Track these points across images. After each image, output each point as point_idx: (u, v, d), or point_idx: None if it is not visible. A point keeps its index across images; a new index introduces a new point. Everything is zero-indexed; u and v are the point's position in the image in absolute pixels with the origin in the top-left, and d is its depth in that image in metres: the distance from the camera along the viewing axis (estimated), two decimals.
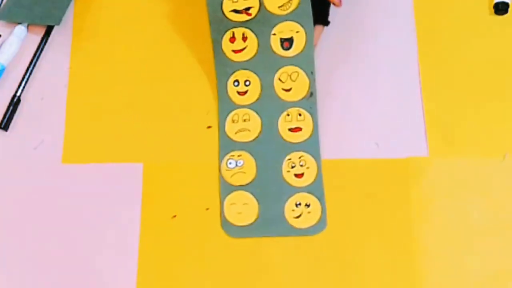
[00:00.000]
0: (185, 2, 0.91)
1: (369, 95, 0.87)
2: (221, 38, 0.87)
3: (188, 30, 0.90)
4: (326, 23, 0.87)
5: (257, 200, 0.83)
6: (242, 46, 0.86)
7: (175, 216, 0.83)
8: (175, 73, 0.88)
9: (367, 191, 0.83)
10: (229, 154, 0.84)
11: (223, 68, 0.86)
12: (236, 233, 0.82)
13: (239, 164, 0.84)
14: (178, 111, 0.87)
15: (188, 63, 0.87)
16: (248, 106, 0.86)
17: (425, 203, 0.83)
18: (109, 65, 0.89)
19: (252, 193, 0.83)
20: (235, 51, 0.86)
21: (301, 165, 0.84)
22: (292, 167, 0.84)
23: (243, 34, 0.86)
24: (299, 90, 0.85)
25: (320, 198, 0.83)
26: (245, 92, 0.86)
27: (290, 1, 0.86)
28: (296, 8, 0.86)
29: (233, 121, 0.85)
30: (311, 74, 0.85)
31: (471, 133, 0.86)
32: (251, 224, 0.82)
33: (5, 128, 0.86)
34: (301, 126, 0.85)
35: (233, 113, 0.86)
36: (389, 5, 0.91)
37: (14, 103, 0.87)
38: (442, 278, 0.80)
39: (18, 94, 0.88)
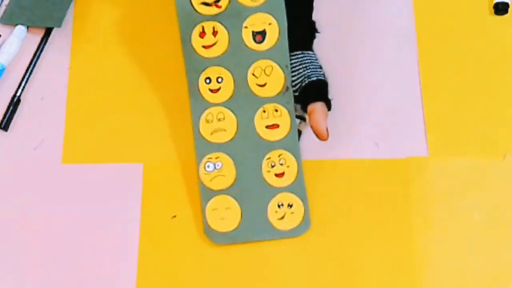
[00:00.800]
0: None
1: (369, 95, 0.87)
2: (190, 34, 0.83)
3: None
4: (329, 105, 0.83)
5: (239, 203, 0.81)
6: (213, 41, 0.83)
7: (175, 216, 0.83)
8: (175, 73, 0.88)
9: (367, 191, 0.83)
10: (206, 157, 0.82)
11: (193, 65, 0.83)
12: (220, 240, 0.81)
13: (217, 167, 0.82)
14: (178, 111, 0.87)
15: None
16: (222, 104, 0.83)
17: (425, 203, 0.83)
18: (109, 65, 0.89)
19: (233, 197, 0.81)
20: (205, 47, 0.83)
21: (281, 164, 0.82)
22: (272, 166, 0.82)
23: (213, 28, 0.82)
24: (274, 85, 0.82)
25: (303, 198, 0.81)
26: (218, 90, 0.83)
27: None
28: None
29: (207, 121, 0.83)
30: (286, 67, 0.82)
31: (471, 133, 0.86)
32: (235, 229, 0.81)
33: (5, 128, 0.86)
34: (278, 123, 0.82)
35: (206, 112, 0.83)
36: (389, 5, 0.91)
37: (14, 103, 0.87)
38: (442, 278, 0.80)
39: (18, 94, 0.88)
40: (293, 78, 0.83)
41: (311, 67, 0.83)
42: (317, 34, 0.87)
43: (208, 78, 0.83)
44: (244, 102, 0.82)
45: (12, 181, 0.85)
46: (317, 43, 0.87)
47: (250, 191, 0.81)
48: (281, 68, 0.82)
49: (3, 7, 0.92)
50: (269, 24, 0.82)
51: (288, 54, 0.82)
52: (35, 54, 0.89)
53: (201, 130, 0.82)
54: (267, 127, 0.82)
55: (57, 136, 0.86)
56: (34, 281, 0.81)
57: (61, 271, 0.81)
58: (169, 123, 0.86)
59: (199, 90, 0.83)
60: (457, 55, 0.89)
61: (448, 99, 0.87)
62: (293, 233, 0.81)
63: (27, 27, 0.90)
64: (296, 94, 0.83)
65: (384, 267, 0.81)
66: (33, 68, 0.89)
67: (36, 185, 0.84)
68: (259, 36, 0.82)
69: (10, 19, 0.90)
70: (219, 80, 0.83)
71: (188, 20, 0.83)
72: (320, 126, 0.80)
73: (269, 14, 0.82)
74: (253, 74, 0.82)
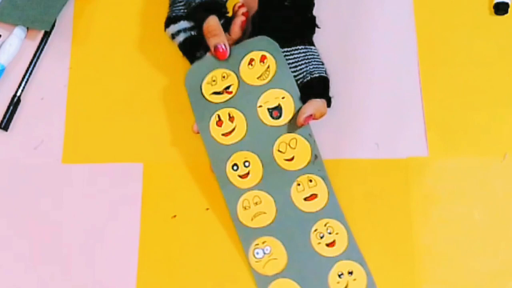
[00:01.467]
0: None
1: (369, 95, 0.87)
2: (208, 124, 0.82)
3: None
4: (329, 102, 0.83)
5: (298, 284, 0.79)
6: (231, 127, 0.82)
7: (175, 216, 0.83)
8: (175, 74, 0.88)
9: (367, 191, 0.83)
10: (253, 244, 0.80)
11: (218, 155, 0.82)
12: None
13: (266, 252, 0.80)
14: (178, 111, 0.87)
15: (188, 64, 0.87)
16: (255, 188, 0.81)
17: (425, 203, 0.83)
18: (109, 65, 0.89)
19: (291, 278, 0.79)
20: (225, 134, 0.82)
21: (329, 233, 0.80)
22: (321, 237, 0.80)
23: (229, 115, 0.82)
24: (302, 156, 0.81)
25: (361, 262, 0.79)
26: (247, 174, 0.81)
27: (268, 69, 0.82)
28: (275, 74, 0.82)
29: (244, 208, 0.80)
30: (309, 136, 0.81)
31: (471, 133, 0.86)
32: None
33: (5, 128, 0.86)
34: (315, 193, 0.80)
35: (241, 199, 0.81)
36: (389, 5, 0.91)
37: (14, 103, 0.87)
38: (442, 278, 0.80)
39: (18, 94, 0.88)
40: (296, 73, 0.82)
41: (314, 62, 0.83)
42: (317, 30, 0.87)
43: (235, 164, 0.81)
44: (276, 181, 0.81)
45: (12, 181, 0.85)
46: (316, 43, 0.86)
47: (306, 268, 0.79)
48: (305, 138, 0.81)
49: None
50: (283, 98, 0.82)
51: (309, 123, 0.81)
52: (35, 54, 0.90)
53: (240, 218, 0.81)
54: (305, 199, 0.81)
55: (57, 136, 0.86)
56: (34, 280, 0.81)
57: (61, 271, 0.81)
58: (169, 123, 0.86)
59: (228, 179, 0.81)
60: (457, 55, 0.89)
61: (448, 99, 0.87)
62: None
63: (27, 27, 0.90)
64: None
65: (384, 267, 0.81)
66: (33, 68, 0.89)
67: (36, 185, 0.84)
68: (276, 112, 0.82)
69: (1, 17, 0.90)
70: (246, 164, 0.81)
71: (203, 112, 0.82)
72: (302, 110, 0.80)
73: (280, 89, 0.82)
74: (279, 150, 0.81)
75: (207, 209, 0.83)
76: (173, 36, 0.86)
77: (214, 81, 0.82)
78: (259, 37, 0.83)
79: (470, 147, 0.85)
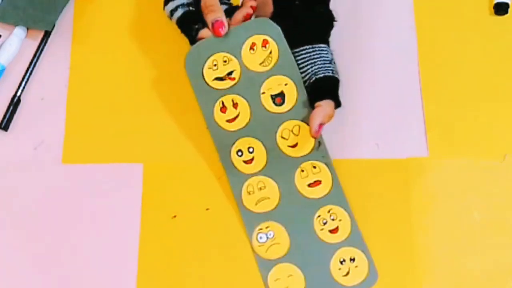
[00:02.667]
0: None
1: (369, 95, 0.87)
2: (212, 111, 0.82)
3: None
4: (337, 102, 0.82)
5: (300, 268, 0.79)
6: (235, 113, 0.82)
7: (175, 216, 0.83)
8: (175, 74, 0.88)
9: (367, 191, 0.83)
10: (256, 229, 0.81)
11: (222, 141, 0.82)
12: None
13: (270, 236, 0.81)
14: (178, 111, 0.87)
15: None
16: (259, 173, 0.82)
17: (425, 203, 0.83)
18: (109, 66, 0.89)
19: (293, 263, 0.80)
20: (229, 121, 0.82)
21: (333, 219, 0.80)
22: (324, 223, 0.80)
23: (233, 101, 0.82)
24: (306, 143, 0.82)
25: (363, 249, 0.80)
26: (251, 160, 0.82)
27: (270, 55, 0.82)
28: (278, 60, 0.82)
29: (249, 193, 0.82)
30: None
31: (471, 133, 0.86)
32: None
33: (5, 128, 0.86)
34: (319, 179, 0.81)
35: (246, 184, 0.82)
36: (389, 5, 0.91)
37: (14, 103, 0.87)
38: (442, 278, 0.80)
39: (18, 94, 0.88)
40: (302, 75, 0.82)
41: (319, 62, 0.82)
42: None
43: (240, 150, 0.82)
44: (280, 167, 0.82)
45: (12, 181, 0.85)
46: None
47: (309, 254, 0.80)
48: (308, 124, 0.81)
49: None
50: (285, 84, 0.82)
51: (311, 110, 0.81)
52: (35, 54, 0.89)
53: (244, 203, 0.82)
54: (309, 185, 0.81)
55: (57, 136, 0.86)
56: (34, 280, 0.81)
57: (61, 271, 0.81)
58: (169, 123, 0.86)
59: (233, 164, 0.82)
60: (457, 55, 0.89)
61: (448, 99, 0.87)
62: (362, 286, 0.79)
63: (27, 28, 0.90)
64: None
65: (384, 267, 0.81)
66: (33, 68, 0.89)
67: (36, 185, 0.84)
68: (279, 98, 0.82)
69: (2, 18, 0.90)
70: (251, 150, 0.82)
71: (207, 98, 0.82)
72: (312, 122, 0.80)
73: (283, 76, 0.82)
74: (282, 137, 0.82)
75: (207, 209, 0.83)
76: (172, 12, 0.85)
77: (215, 65, 0.82)
78: (261, 19, 0.82)
79: (470, 147, 0.85)
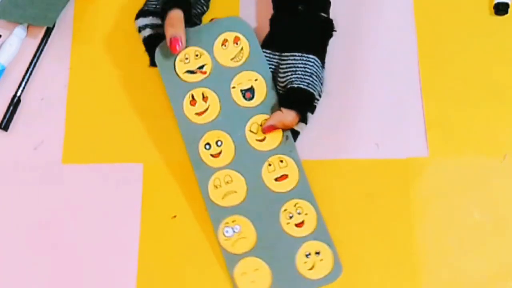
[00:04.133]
0: None
1: (369, 95, 0.87)
2: (182, 103, 0.83)
3: None
4: (303, 116, 0.82)
5: (266, 262, 0.80)
6: (204, 107, 0.83)
7: (175, 216, 0.83)
8: None
9: (367, 191, 0.83)
10: (222, 223, 0.81)
11: (190, 134, 0.83)
12: None
13: (236, 230, 0.81)
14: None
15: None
16: (227, 167, 0.82)
17: (425, 203, 0.83)
18: (109, 65, 0.89)
19: (259, 257, 0.80)
20: (198, 114, 0.83)
21: (299, 213, 0.81)
22: (290, 217, 0.81)
23: (203, 94, 0.83)
24: (274, 137, 0.82)
25: (328, 243, 0.80)
26: (219, 153, 0.82)
27: (241, 51, 0.83)
28: (248, 56, 0.83)
29: (215, 187, 0.82)
30: None
31: (471, 133, 0.86)
32: None
33: (5, 128, 0.86)
34: (286, 173, 0.82)
35: (213, 178, 0.82)
36: (389, 5, 0.91)
37: (14, 103, 0.87)
38: (442, 278, 0.80)
39: (18, 94, 0.88)
40: (282, 79, 0.83)
41: (300, 72, 0.82)
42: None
43: (208, 144, 0.83)
44: (248, 160, 0.82)
45: (12, 181, 0.85)
46: None
47: (275, 248, 0.80)
48: None
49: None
50: (255, 80, 0.83)
51: (278, 105, 0.82)
52: (35, 54, 0.90)
53: (211, 196, 0.82)
54: (276, 179, 0.82)
55: (57, 136, 0.86)
56: (34, 280, 0.81)
57: (61, 271, 0.81)
58: (169, 124, 0.86)
59: (200, 158, 0.82)
60: (457, 55, 0.89)
61: (448, 99, 0.87)
62: (327, 280, 0.79)
63: (27, 27, 0.90)
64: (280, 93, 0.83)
65: (384, 267, 0.81)
66: (33, 68, 0.89)
67: (36, 185, 0.84)
68: (248, 93, 0.83)
69: (3, 15, 0.90)
70: (219, 143, 0.82)
71: (177, 90, 0.83)
72: (268, 120, 0.81)
73: (253, 71, 0.83)
74: (251, 131, 0.83)
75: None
76: (140, 29, 0.87)
77: (187, 59, 0.83)
78: (231, 17, 0.85)
79: (470, 147, 0.85)
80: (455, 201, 0.83)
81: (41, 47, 0.90)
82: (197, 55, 0.84)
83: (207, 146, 0.83)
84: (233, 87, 0.83)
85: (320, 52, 0.85)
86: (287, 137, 0.82)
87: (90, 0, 0.92)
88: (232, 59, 0.84)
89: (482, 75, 0.88)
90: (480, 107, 0.87)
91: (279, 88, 0.84)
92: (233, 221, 0.81)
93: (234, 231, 0.81)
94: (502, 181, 0.84)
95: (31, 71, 0.89)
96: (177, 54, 0.83)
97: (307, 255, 0.80)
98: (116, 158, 0.85)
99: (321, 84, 0.84)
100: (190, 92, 0.83)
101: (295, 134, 0.84)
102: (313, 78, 0.83)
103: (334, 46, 0.88)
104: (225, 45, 0.84)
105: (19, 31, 0.90)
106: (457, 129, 0.86)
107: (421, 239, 0.81)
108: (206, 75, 0.84)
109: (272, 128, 0.81)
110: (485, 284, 0.80)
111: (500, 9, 0.89)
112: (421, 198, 0.83)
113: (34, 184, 0.85)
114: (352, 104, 0.87)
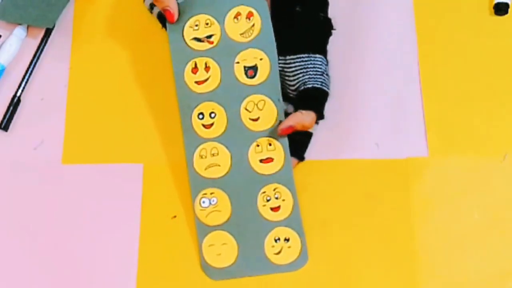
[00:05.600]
0: None
1: (369, 95, 0.87)
2: (183, 69, 0.83)
3: None
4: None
5: (235, 239, 0.80)
6: (205, 76, 0.83)
7: (175, 216, 0.83)
8: None
9: (367, 191, 0.83)
10: (201, 193, 0.81)
11: (186, 100, 0.83)
12: (217, 276, 0.80)
13: (212, 203, 0.81)
14: (178, 111, 0.86)
15: None
16: (216, 139, 0.82)
17: (425, 203, 0.83)
18: (109, 65, 0.89)
19: (230, 232, 0.81)
20: (198, 82, 0.83)
21: (276, 198, 0.81)
22: (267, 200, 0.81)
23: (206, 64, 0.83)
24: (267, 119, 0.82)
25: (299, 232, 0.80)
26: (211, 125, 0.82)
27: (252, 28, 0.82)
28: (258, 34, 0.82)
29: (201, 157, 0.82)
30: (278, 101, 0.82)
31: (471, 133, 0.86)
32: (232, 265, 0.80)
33: (5, 128, 0.86)
34: (272, 157, 0.81)
35: (200, 148, 0.82)
36: (389, 5, 0.91)
37: (14, 103, 0.87)
38: (442, 278, 0.80)
39: (18, 94, 0.88)
40: (293, 82, 0.83)
41: (311, 72, 0.82)
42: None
43: (201, 113, 0.82)
44: (237, 137, 0.82)
45: (12, 181, 0.85)
46: None
47: (246, 226, 0.81)
48: (274, 102, 0.82)
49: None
50: (260, 59, 0.83)
51: (279, 89, 0.82)
52: (35, 54, 0.90)
53: (195, 165, 0.82)
54: (261, 161, 0.82)
55: (57, 136, 0.86)
56: (34, 280, 0.81)
57: (61, 271, 0.81)
58: (169, 124, 0.86)
59: (192, 126, 0.82)
60: (457, 55, 0.89)
61: (448, 99, 0.87)
62: (290, 267, 0.80)
63: (27, 28, 0.90)
64: (292, 96, 0.83)
65: (384, 267, 0.81)
66: (33, 68, 0.89)
67: (36, 185, 0.84)
68: (251, 71, 0.82)
69: (3, 16, 0.90)
70: (212, 115, 0.82)
71: (181, 55, 0.83)
72: (286, 121, 0.80)
73: (260, 50, 0.83)
74: (246, 109, 0.82)
75: None
76: (151, 6, 0.87)
77: (196, 25, 0.83)
78: None
79: (470, 147, 0.85)
80: (455, 201, 0.83)
81: (41, 47, 0.90)
82: (207, 24, 0.83)
83: (200, 116, 0.82)
84: (237, 62, 0.83)
85: (325, 51, 0.85)
86: (280, 122, 0.82)
87: (90, 0, 0.92)
88: (241, 34, 0.83)
89: (482, 75, 0.88)
90: (480, 107, 0.87)
91: (288, 91, 0.83)
92: (211, 193, 0.81)
93: (210, 203, 0.81)
94: (502, 181, 0.84)
95: (31, 71, 0.89)
96: (187, 20, 0.83)
97: (276, 240, 0.80)
98: (116, 158, 0.85)
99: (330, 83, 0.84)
100: (194, 60, 0.83)
101: (309, 136, 0.84)
102: (324, 76, 0.83)
103: (334, 46, 0.87)
104: (237, 19, 0.83)
105: (19, 31, 0.90)
106: (457, 129, 0.86)
107: (421, 239, 0.81)
108: (212, 45, 0.83)
109: (290, 129, 0.80)
110: (485, 284, 0.80)
111: (500, 9, 0.90)
112: (421, 198, 0.83)
113: (34, 184, 0.85)
114: (352, 104, 0.87)
